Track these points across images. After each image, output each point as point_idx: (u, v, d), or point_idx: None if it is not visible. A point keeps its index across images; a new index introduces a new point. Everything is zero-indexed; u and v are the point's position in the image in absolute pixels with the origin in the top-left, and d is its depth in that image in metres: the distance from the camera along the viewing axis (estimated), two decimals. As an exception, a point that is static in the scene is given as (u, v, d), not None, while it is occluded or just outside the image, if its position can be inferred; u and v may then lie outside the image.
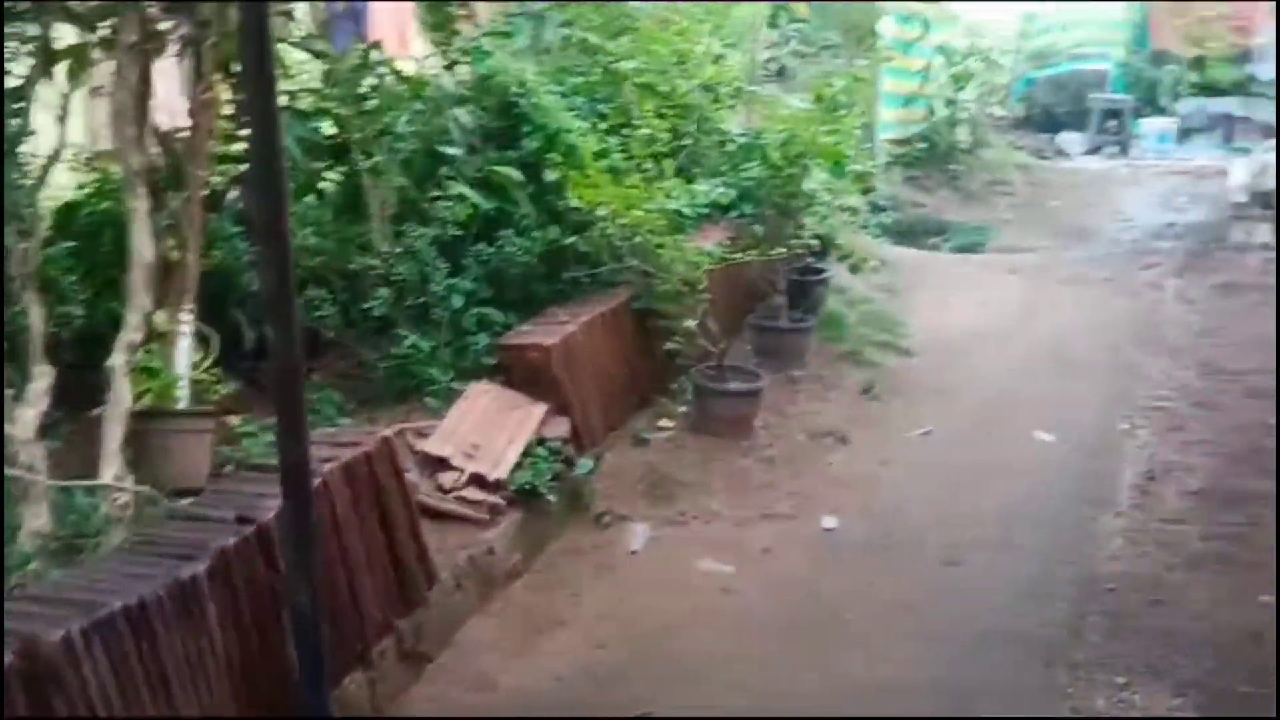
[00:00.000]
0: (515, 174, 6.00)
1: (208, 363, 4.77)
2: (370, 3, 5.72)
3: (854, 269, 7.73)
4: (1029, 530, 5.34)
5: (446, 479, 5.03)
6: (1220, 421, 6.41)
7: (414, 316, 5.62)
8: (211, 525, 3.44)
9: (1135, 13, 16.56)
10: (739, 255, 6.53)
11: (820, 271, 7.91)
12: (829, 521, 5.49)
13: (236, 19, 4.66)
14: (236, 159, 5.75)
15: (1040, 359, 7.70)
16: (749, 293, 7.51)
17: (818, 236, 7.23)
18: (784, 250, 6.77)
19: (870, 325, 8.09)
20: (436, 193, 5.76)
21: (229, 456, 4.54)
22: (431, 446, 5.13)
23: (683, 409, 6.43)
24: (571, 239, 6.17)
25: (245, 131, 5.44)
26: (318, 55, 5.52)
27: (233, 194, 5.94)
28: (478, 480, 5.08)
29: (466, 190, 5.75)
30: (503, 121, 6.25)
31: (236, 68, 4.99)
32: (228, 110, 5.13)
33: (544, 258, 6.10)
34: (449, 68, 6.49)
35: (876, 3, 11.90)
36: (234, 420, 4.85)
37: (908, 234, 11.20)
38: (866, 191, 8.34)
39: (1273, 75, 9.24)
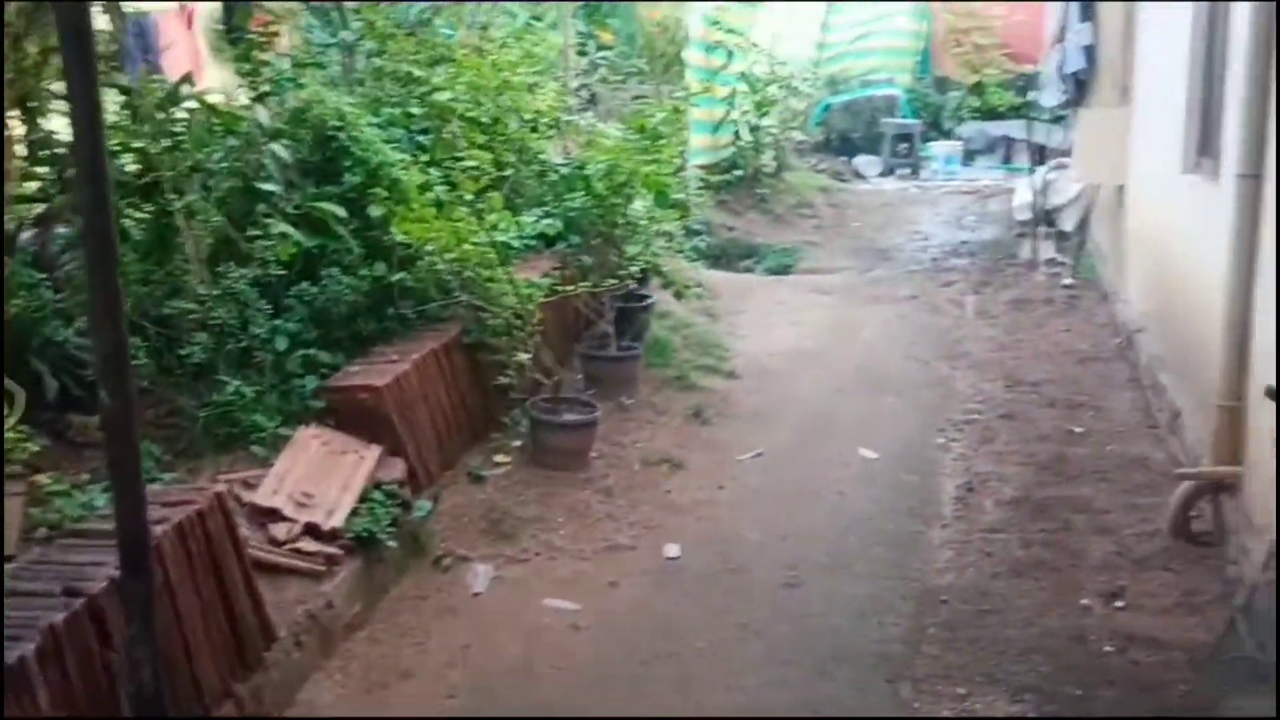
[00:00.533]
0: (338, 210, 5.82)
1: (13, 420, 4.41)
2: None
3: (678, 295, 7.83)
4: (862, 547, 5.51)
5: (279, 531, 4.81)
6: (1026, 431, 6.77)
7: (235, 361, 5.36)
8: (36, 600, 3.19)
9: (919, 41, 17.48)
10: (571, 288, 6.52)
11: (644, 298, 7.98)
12: (671, 550, 5.53)
13: (33, 53, 4.41)
14: (30, 199, 5.39)
15: (857, 377, 7.98)
16: (576, 322, 7.52)
17: (644, 265, 7.31)
18: (615, 280, 6.80)
19: (694, 350, 8.22)
20: (255, 231, 5.52)
21: (40, 519, 4.20)
22: (261, 497, 4.90)
23: (517, 443, 6.36)
24: (399, 275, 6.03)
25: (42, 170, 5.15)
26: (123, 90, 5.21)
27: (26, 235, 5.56)
28: (312, 530, 4.88)
29: (287, 228, 5.53)
30: (321, 155, 6.05)
31: (31, 104, 4.69)
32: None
33: (371, 295, 5.94)
34: (258, 99, 6.24)
35: (690, 6, 12.09)
36: (43, 479, 4.50)
37: (721, 257, 11.47)
38: (683, 217, 8.47)
39: (1050, 102, 9.88)
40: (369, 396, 5.47)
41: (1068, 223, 11.49)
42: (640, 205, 7.35)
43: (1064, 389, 7.39)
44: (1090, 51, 8.60)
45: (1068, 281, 9.68)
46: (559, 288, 6.47)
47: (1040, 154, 15.90)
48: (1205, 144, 6.40)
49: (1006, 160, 16.28)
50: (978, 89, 16.86)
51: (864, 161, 15.86)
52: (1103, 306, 8.96)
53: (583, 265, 7.16)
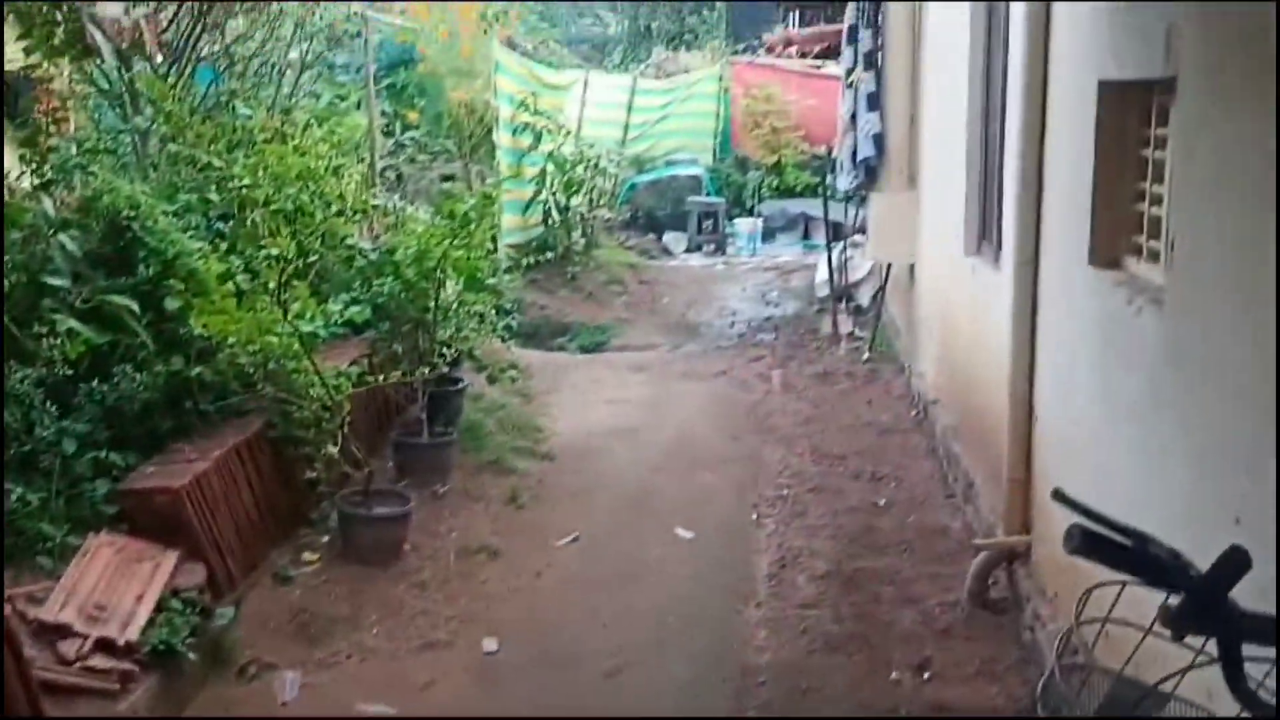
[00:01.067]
0: (131, 303, 5.56)
1: None
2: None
3: (492, 379, 7.79)
4: (682, 629, 5.54)
5: (69, 648, 4.50)
6: (834, 504, 6.98)
7: (19, 466, 5.02)
8: None
9: (719, 123, 18.16)
10: (381, 377, 6.40)
11: (457, 381, 7.90)
12: (489, 644, 5.42)
13: None
14: None
15: (672, 454, 8.08)
16: (387, 408, 7.38)
17: (459, 350, 7.26)
18: (426, 370, 6.72)
19: (509, 432, 8.17)
20: (41, 328, 5.21)
21: None
22: (48, 613, 4.59)
23: (326, 539, 6.16)
24: (197, 369, 5.79)
25: None
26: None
27: None
28: (105, 645, 4.58)
29: (75, 324, 5.25)
30: (113, 246, 5.78)
31: None
32: None
33: (168, 391, 5.67)
34: (44, 188, 5.95)
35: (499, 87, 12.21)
36: None
37: (534, 336, 11.50)
38: (496, 299, 8.48)
39: (844, 186, 10.38)
40: (165, 499, 5.21)
41: (864, 298, 12.07)
42: (451, 289, 7.32)
43: (868, 461, 7.67)
44: (879, 140, 9.10)
45: (867, 356, 10.10)
46: (368, 377, 6.35)
47: (836, 231, 16.67)
48: (985, 229, 6.84)
49: (805, 237, 16.96)
50: (776, 168, 17.59)
51: (671, 238, 16.25)
52: (900, 379, 9.38)
53: (394, 352, 7.04)
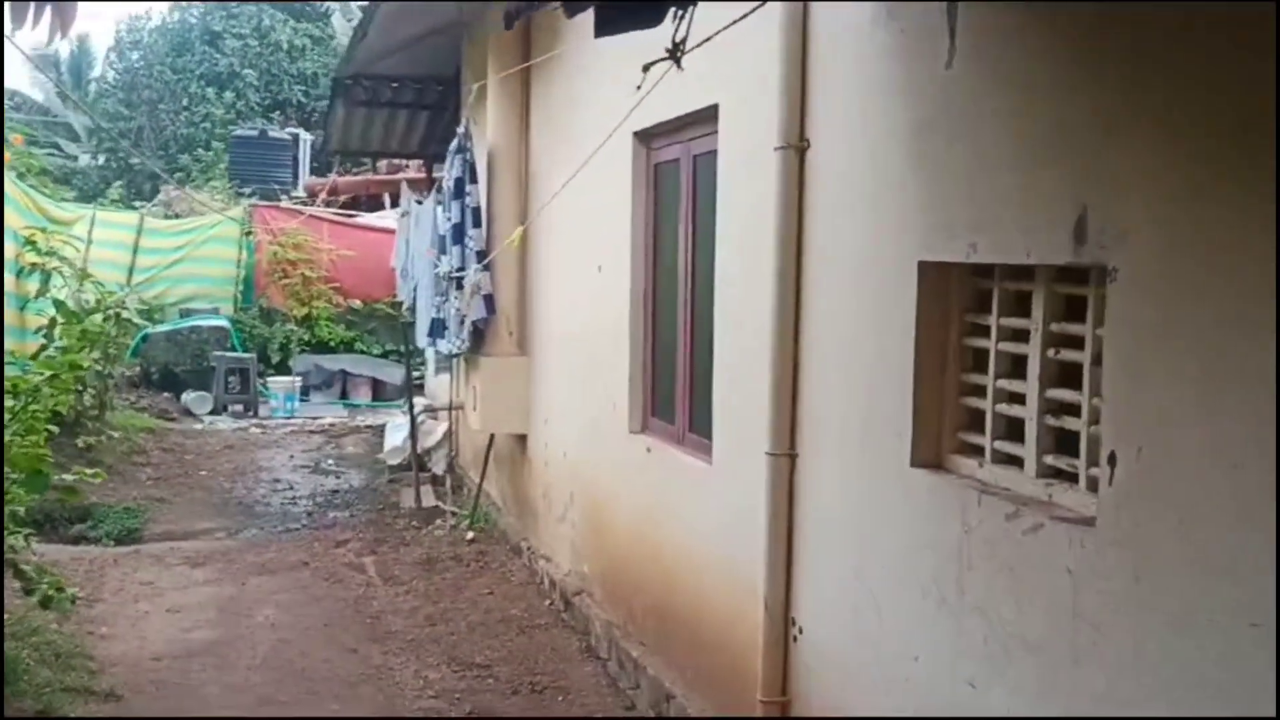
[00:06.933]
0: None
1: None
2: None
3: (46, 601, 5.86)
4: None
5: None
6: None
7: None
8: None
9: (243, 269, 16.52)
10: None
11: (-22, 603, 5.89)
12: None
13: None
14: None
15: (276, 679, 6.54)
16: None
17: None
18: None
19: (53, 665, 6.23)
20: None
21: None
22: None
23: None
24: None
25: None
26: None
27: None
28: None
29: None
30: None
31: None
32: None
33: None
34: None
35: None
36: None
37: (47, 524, 9.23)
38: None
39: (448, 349, 9.33)
40: None
41: (438, 467, 11.17)
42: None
43: (517, 667, 6.68)
44: (491, 301, 8.41)
45: (471, 536, 9.15)
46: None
47: (379, 391, 15.71)
48: (655, 407, 6.36)
49: (343, 396, 15.81)
50: (308, 321, 16.31)
51: (194, 398, 14.34)
52: (517, 562, 8.53)
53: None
